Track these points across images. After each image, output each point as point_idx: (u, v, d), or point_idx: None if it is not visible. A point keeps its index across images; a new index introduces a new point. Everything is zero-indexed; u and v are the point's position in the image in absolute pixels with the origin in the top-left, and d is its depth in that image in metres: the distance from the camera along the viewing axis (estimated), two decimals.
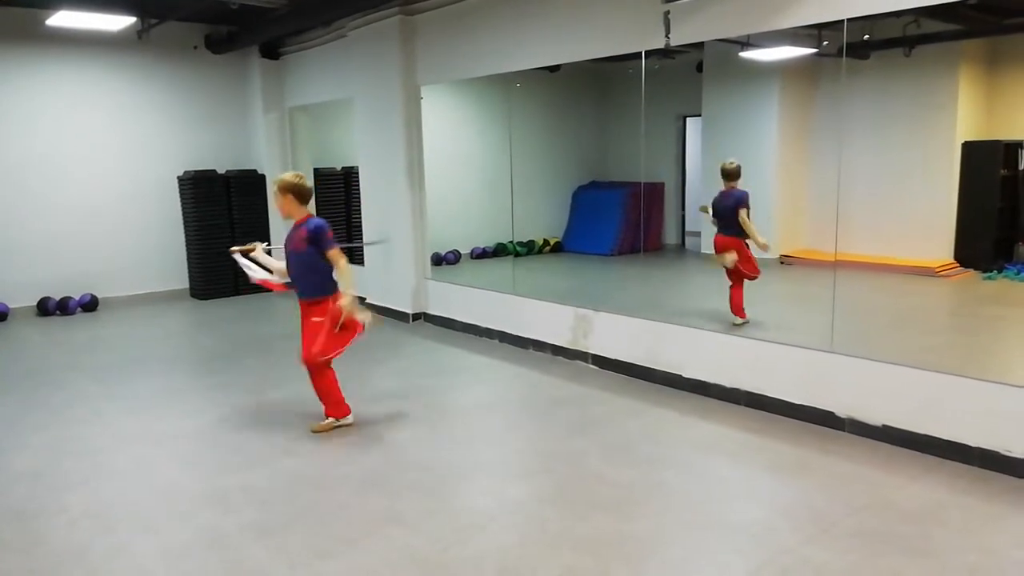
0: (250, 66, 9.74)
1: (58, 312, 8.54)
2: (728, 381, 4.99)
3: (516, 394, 5.51)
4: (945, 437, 3.96)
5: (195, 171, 9.21)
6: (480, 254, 10.01)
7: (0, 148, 8.22)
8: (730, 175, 6.12)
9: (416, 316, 7.76)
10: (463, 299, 7.33)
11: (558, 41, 5.99)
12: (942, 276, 7.46)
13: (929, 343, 5.71)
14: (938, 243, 7.63)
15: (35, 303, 8.52)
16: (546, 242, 10.34)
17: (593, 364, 5.95)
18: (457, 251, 9.77)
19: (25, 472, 4.14)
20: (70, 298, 8.62)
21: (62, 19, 7.02)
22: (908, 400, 4.13)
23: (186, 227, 9.41)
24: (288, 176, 4.60)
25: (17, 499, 3.80)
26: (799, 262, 8.17)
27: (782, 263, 8.36)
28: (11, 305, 8.34)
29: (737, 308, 6.04)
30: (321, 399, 4.67)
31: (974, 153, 7.58)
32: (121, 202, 8.99)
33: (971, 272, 7.47)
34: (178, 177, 9.33)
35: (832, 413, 4.44)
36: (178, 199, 9.37)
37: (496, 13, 6.47)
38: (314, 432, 4.61)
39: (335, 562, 3.14)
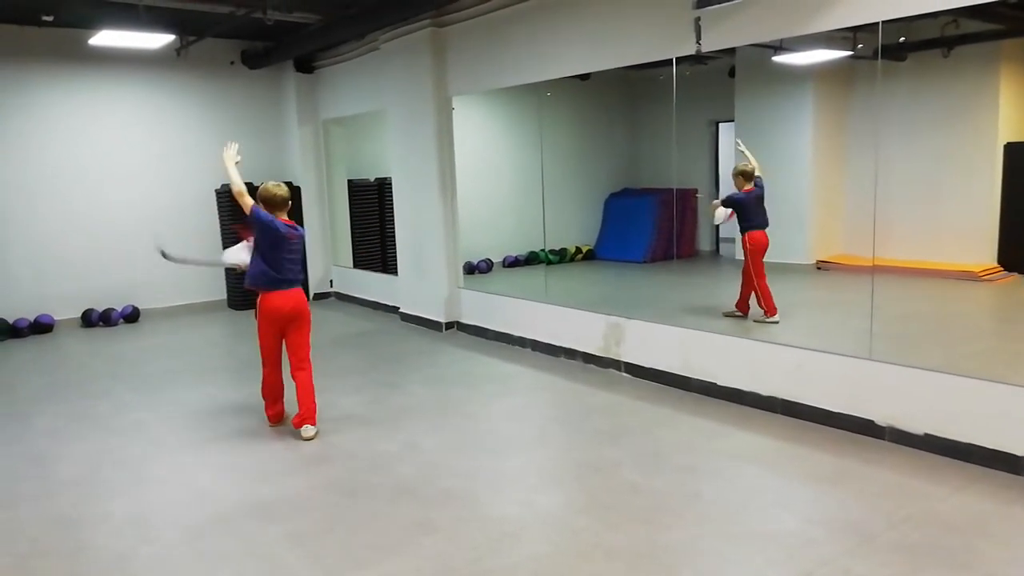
0: (285, 80, 9.92)
1: (101, 323, 8.76)
2: (764, 389, 4.92)
3: (548, 403, 5.50)
4: (991, 446, 3.86)
5: None
6: (512, 263, 10.03)
7: (44, 165, 8.48)
8: (750, 176, 6.44)
9: (449, 325, 7.80)
10: (495, 308, 7.34)
11: (589, 49, 5.99)
12: (985, 280, 7.28)
13: (973, 349, 5.57)
14: (980, 247, 7.46)
15: (79, 315, 8.74)
16: (578, 250, 10.32)
17: (626, 372, 5.92)
18: (489, 260, 9.80)
19: (70, 480, 4.24)
20: (113, 310, 8.83)
21: (104, 39, 7.21)
22: (951, 408, 4.03)
23: (223, 240, 9.58)
24: (264, 184, 4.74)
25: (62, 506, 3.89)
26: (836, 267, 8.05)
27: (818, 268, 8.24)
28: (56, 317, 8.57)
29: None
30: (311, 403, 4.77)
31: (1017, 155, 7.39)
32: (161, 215, 9.19)
33: (1015, 276, 7.28)
34: (216, 190, 9.51)
35: (872, 422, 4.35)
36: (216, 212, 9.55)
37: (526, 23, 6.49)
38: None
39: (369, 571, 3.16)
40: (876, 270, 4.78)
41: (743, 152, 6.58)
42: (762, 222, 6.42)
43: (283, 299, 4.69)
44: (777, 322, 6.19)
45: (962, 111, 7.66)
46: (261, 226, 4.61)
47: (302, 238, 4.80)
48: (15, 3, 7.12)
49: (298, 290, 4.78)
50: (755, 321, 6.32)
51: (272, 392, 4.99)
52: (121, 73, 8.79)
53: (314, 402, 4.78)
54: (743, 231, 6.45)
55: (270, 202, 4.66)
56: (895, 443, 4.23)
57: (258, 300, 4.75)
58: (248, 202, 4.59)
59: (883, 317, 4.64)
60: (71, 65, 8.50)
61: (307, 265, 10.02)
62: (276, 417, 5.02)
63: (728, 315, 6.49)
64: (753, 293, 6.34)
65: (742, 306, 6.46)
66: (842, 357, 4.54)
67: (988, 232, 7.45)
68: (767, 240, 6.40)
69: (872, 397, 4.36)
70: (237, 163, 4.75)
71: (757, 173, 6.48)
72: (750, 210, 6.42)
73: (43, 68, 8.37)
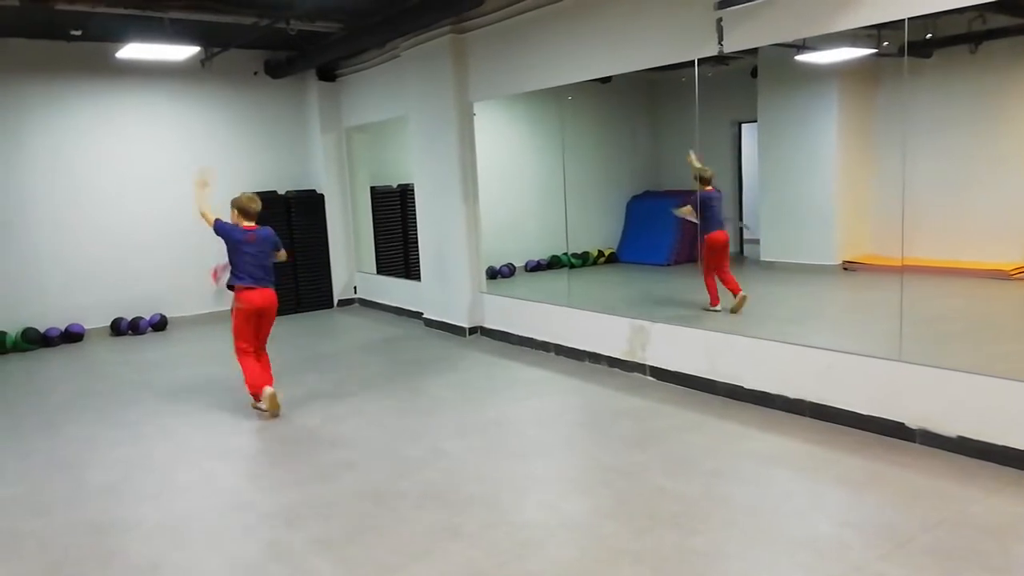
0: (308, 89, 10.01)
1: (130, 332, 8.89)
2: (792, 392, 4.87)
3: (573, 407, 5.49)
4: None
5: (257, 192, 9.45)
6: (534, 267, 10.02)
7: (73, 176, 8.63)
8: (708, 180, 6.95)
9: (472, 330, 7.81)
10: (518, 312, 7.34)
11: (609, 52, 5.98)
12: (1016, 279, 7.14)
13: (1006, 349, 5.46)
14: (1011, 245, 7.32)
15: (108, 323, 8.88)
16: (601, 253, 10.28)
17: (651, 376, 5.88)
18: (512, 264, 9.80)
19: (100, 487, 4.30)
20: (141, 318, 8.96)
21: (130, 52, 7.34)
22: (984, 410, 3.95)
23: None
24: (240, 196, 5.43)
25: (94, 513, 3.95)
26: (863, 268, 7.95)
27: (845, 269, 8.14)
28: (86, 326, 8.71)
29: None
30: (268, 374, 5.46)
31: None
32: (188, 225, 9.27)
33: None
34: None
35: (902, 424, 4.29)
36: None
37: (546, 28, 6.50)
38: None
39: (395, 575, 3.17)
40: (905, 270, 4.70)
41: (693, 163, 6.96)
42: (720, 223, 6.99)
43: (252, 296, 5.29)
44: (719, 311, 6.75)
45: (990, 107, 7.53)
46: (222, 235, 5.28)
47: (264, 239, 5.34)
48: (44, 19, 7.26)
49: (267, 289, 5.36)
50: (704, 309, 6.74)
51: (255, 375, 5.40)
52: (147, 85, 8.92)
53: (270, 374, 5.51)
54: (703, 232, 6.94)
55: (243, 211, 5.32)
56: (927, 446, 4.16)
57: (234, 296, 5.37)
58: (211, 218, 5.28)
59: (913, 317, 4.56)
60: (98, 78, 8.65)
61: (331, 271, 10.11)
62: (260, 388, 5.38)
63: (734, 310, 6.78)
64: (719, 283, 6.84)
65: (735, 296, 6.84)
66: (872, 359, 4.47)
67: (1018, 230, 7.31)
68: (726, 238, 7.06)
69: (903, 399, 4.30)
70: (207, 187, 5.38)
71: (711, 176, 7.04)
72: (713, 210, 6.91)
73: (71, 82, 8.53)
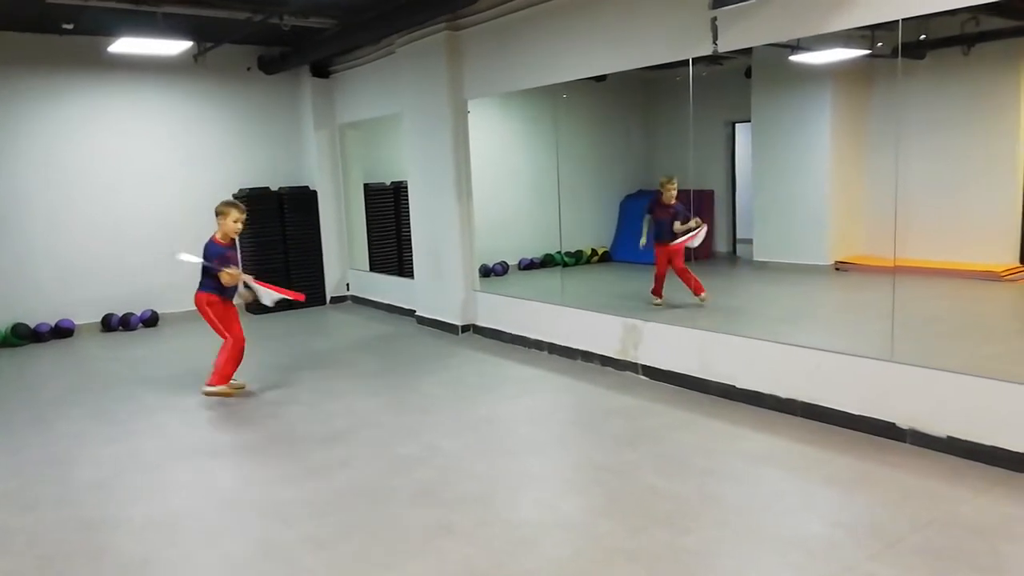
0: (301, 85, 9.98)
1: (121, 328, 8.84)
2: (784, 392, 4.88)
3: (566, 405, 5.49)
4: (1015, 449, 3.80)
5: (250, 189, 9.45)
6: (528, 265, 10.03)
7: (65, 173, 8.58)
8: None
9: (465, 328, 7.80)
10: (511, 310, 7.34)
11: (605, 51, 5.98)
12: (1008, 280, 7.19)
13: (996, 350, 5.50)
14: (1003, 246, 7.38)
15: (99, 319, 8.83)
16: (594, 252, 10.30)
17: (643, 375, 5.89)
18: (505, 263, 9.80)
19: (91, 483, 4.28)
20: (132, 314, 8.91)
21: (123, 46, 7.29)
22: (974, 411, 3.98)
23: (241, 244, 9.62)
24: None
25: (85, 509, 3.93)
26: (855, 268, 7.98)
27: (837, 269, 8.18)
28: (77, 321, 8.66)
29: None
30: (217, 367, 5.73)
31: None
32: (180, 221, 9.23)
33: None
34: (233, 195, 9.56)
35: (893, 424, 4.31)
36: None
37: (541, 26, 6.49)
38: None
39: (389, 574, 3.16)
40: (897, 270, 4.73)
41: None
42: None
43: None
44: (705, 296, 7.11)
45: (983, 109, 7.58)
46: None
47: (204, 249, 5.79)
48: (36, 12, 7.21)
49: (197, 292, 5.92)
50: (697, 306, 7.06)
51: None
52: (140, 80, 8.87)
53: (220, 367, 5.73)
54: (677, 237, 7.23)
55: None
56: (917, 446, 4.18)
57: None
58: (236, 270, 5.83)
59: (904, 318, 4.58)
60: (91, 72, 8.59)
61: (323, 268, 10.07)
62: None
63: (657, 304, 7.22)
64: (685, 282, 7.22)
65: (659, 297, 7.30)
66: (863, 359, 4.49)
67: (1010, 231, 7.36)
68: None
69: (894, 399, 4.32)
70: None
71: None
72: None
73: (63, 76, 8.47)
